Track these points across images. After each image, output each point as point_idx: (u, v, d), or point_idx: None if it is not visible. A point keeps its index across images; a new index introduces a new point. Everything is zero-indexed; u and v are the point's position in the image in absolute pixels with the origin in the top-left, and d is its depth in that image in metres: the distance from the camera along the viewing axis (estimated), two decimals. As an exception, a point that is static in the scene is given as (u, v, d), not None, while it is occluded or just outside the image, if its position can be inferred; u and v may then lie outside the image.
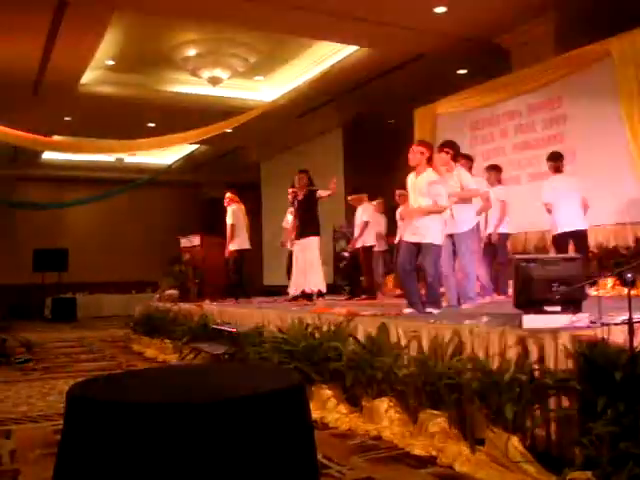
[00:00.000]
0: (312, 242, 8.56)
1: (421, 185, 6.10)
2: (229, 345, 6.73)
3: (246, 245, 10.35)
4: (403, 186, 6.56)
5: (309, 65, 12.46)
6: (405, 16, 9.85)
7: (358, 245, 9.76)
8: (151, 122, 15.08)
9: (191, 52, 11.68)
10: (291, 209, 9.70)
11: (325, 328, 5.43)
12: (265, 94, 13.84)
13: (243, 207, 10.61)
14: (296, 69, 12.73)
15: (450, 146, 6.85)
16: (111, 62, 12.00)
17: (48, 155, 17.89)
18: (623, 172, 8.86)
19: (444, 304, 6.31)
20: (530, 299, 3.95)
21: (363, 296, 9.63)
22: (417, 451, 3.84)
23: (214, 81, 12.52)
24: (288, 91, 13.43)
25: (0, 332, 9.22)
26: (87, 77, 12.32)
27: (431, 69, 11.72)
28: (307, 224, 8.61)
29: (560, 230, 7.93)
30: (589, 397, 3.28)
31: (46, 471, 2.83)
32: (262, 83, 13.58)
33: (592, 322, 3.79)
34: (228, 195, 10.60)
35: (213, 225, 16.19)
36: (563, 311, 3.87)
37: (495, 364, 3.83)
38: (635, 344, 3.26)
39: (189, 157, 19.48)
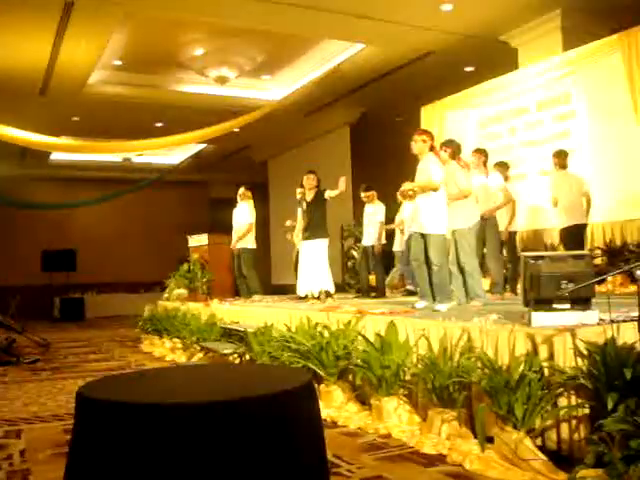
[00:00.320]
0: (321, 244, 8.56)
1: (421, 168, 6.31)
2: (238, 344, 6.73)
3: (255, 245, 10.31)
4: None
5: (316, 64, 12.45)
6: (412, 14, 9.83)
7: (370, 244, 9.73)
8: (158, 122, 15.11)
9: (198, 51, 11.69)
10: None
11: (334, 327, 5.43)
12: (272, 93, 13.84)
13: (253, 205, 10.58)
14: (303, 68, 12.72)
15: (449, 144, 6.88)
16: (118, 62, 12.01)
17: (56, 155, 17.94)
18: (632, 167, 8.82)
19: (453, 302, 6.30)
20: (539, 296, 3.93)
21: (373, 294, 9.63)
22: (427, 449, 3.84)
23: (221, 80, 12.53)
24: (295, 90, 13.42)
25: (12, 332, 9.24)
26: (94, 77, 12.34)
27: (438, 67, 11.70)
28: (316, 226, 8.59)
29: (565, 225, 8.20)
30: (599, 395, 3.27)
31: (56, 471, 2.83)
32: (269, 82, 13.57)
33: (602, 319, 3.78)
34: (243, 191, 10.47)
35: (220, 224, 16.19)
36: (572, 308, 3.86)
37: (504, 362, 3.82)
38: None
39: (196, 156, 19.50)
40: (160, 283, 12.30)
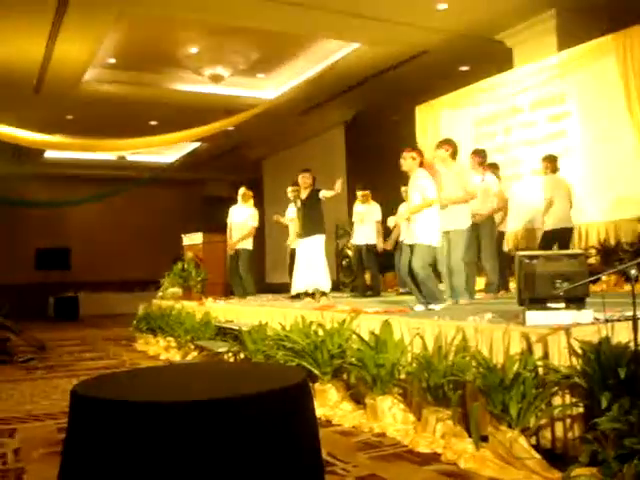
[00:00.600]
0: (317, 241, 8.53)
1: (412, 186, 6.28)
2: (232, 343, 6.73)
3: (252, 246, 10.32)
4: (407, 182, 6.60)
5: (311, 62, 12.44)
6: (407, 13, 9.84)
7: (364, 242, 9.74)
8: (153, 120, 15.07)
9: (193, 50, 11.68)
10: (292, 207, 9.66)
11: (329, 325, 5.43)
12: (267, 92, 13.83)
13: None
14: (298, 67, 12.72)
15: (449, 143, 6.88)
16: (113, 60, 11.99)
17: (51, 153, 17.88)
18: (627, 168, 8.85)
19: (448, 302, 6.30)
20: (533, 296, 3.94)
21: (368, 293, 9.63)
22: (421, 448, 3.84)
23: (216, 79, 12.52)
24: (290, 88, 13.42)
25: (8, 332, 9.21)
26: (89, 75, 12.31)
27: (433, 66, 11.70)
28: (312, 223, 8.57)
29: (551, 227, 8.23)
30: (593, 394, 3.28)
31: (50, 469, 2.82)
32: (264, 81, 13.55)
33: (596, 319, 3.79)
34: (244, 192, 10.43)
35: (215, 223, 16.17)
36: (567, 308, 3.87)
37: (499, 361, 3.83)
38: (639, 341, 3.25)
39: (191, 155, 19.47)
40: (155, 282, 12.27)
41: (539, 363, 3.60)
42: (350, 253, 11.75)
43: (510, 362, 3.67)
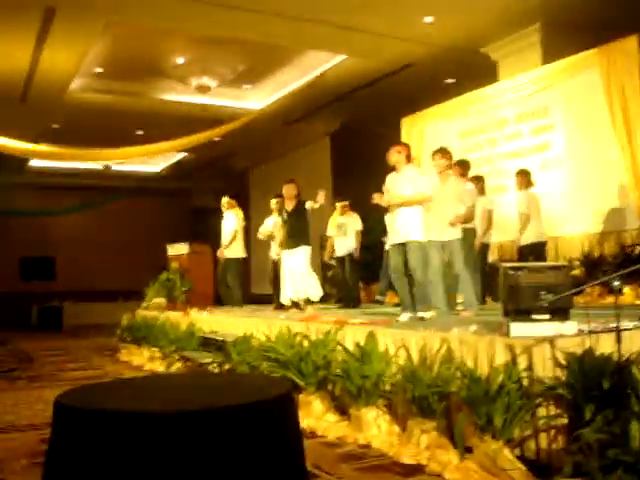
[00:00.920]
0: (303, 252, 8.52)
1: (403, 181, 6.30)
2: (217, 354, 6.69)
3: (245, 254, 10.31)
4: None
5: (297, 74, 12.48)
6: (393, 26, 9.91)
7: (346, 253, 9.78)
8: (139, 130, 15.06)
9: (179, 60, 11.68)
10: (273, 218, 9.69)
11: (314, 336, 5.42)
12: (253, 102, 13.85)
13: (242, 214, 10.56)
14: (284, 78, 12.75)
15: (445, 153, 6.91)
16: (100, 69, 11.97)
17: (35, 162, 17.80)
18: (609, 180, 8.93)
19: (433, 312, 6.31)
20: (518, 307, 3.95)
21: (352, 304, 9.63)
22: (406, 459, 3.83)
23: (202, 89, 12.52)
24: (276, 99, 13.45)
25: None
26: (75, 84, 12.29)
27: (419, 78, 11.77)
28: (298, 234, 8.54)
29: (527, 242, 8.20)
30: (578, 405, 3.29)
31: (32, 481, 2.80)
32: (250, 91, 13.58)
33: (580, 330, 3.80)
34: (227, 200, 10.46)
35: (201, 233, 16.14)
36: (551, 319, 3.88)
37: (484, 372, 3.84)
38: (622, 352, 3.27)
39: (177, 165, 19.45)
40: (139, 292, 12.20)
41: (523, 374, 3.61)
42: (335, 264, 11.74)
43: (495, 373, 3.67)
